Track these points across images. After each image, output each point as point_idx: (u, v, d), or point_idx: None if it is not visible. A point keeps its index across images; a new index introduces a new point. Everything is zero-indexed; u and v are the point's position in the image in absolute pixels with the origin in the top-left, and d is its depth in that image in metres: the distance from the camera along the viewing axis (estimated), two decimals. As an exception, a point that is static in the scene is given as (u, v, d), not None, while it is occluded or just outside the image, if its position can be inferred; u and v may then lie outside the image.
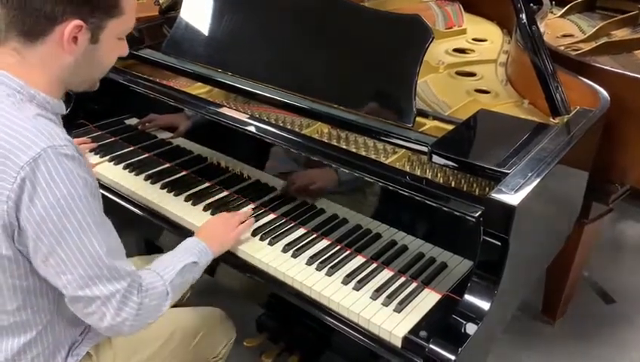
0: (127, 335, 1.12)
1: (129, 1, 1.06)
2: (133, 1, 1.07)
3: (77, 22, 0.99)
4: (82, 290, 1.01)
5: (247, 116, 1.55)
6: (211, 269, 1.49)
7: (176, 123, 1.73)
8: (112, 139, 1.90)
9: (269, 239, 1.40)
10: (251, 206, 1.53)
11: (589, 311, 2.26)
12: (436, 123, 1.49)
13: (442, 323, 1.12)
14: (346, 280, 1.27)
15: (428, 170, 1.38)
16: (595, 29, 2.22)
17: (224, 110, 1.59)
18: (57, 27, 0.99)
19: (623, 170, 1.71)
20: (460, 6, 2.42)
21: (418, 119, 1.43)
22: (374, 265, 1.32)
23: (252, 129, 1.50)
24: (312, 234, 1.42)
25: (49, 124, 1.00)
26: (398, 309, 1.19)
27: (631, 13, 2.37)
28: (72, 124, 1.98)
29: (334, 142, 1.48)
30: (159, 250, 1.82)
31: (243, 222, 1.42)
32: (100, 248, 1.00)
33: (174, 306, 1.34)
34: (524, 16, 1.41)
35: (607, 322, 2.22)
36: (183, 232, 1.50)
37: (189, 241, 1.29)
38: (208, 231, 1.36)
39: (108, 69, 1.13)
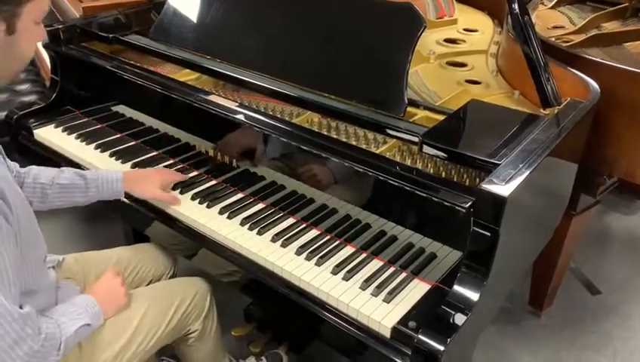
0: None
1: None
2: None
3: None
4: None
5: (237, 104, 1.53)
6: (194, 256, 1.48)
7: (164, 110, 1.71)
8: (99, 126, 1.87)
9: (257, 229, 1.39)
10: (240, 195, 1.52)
11: (575, 302, 2.29)
12: (427, 113, 1.48)
13: (431, 314, 1.12)
14: (336, 270, 1.27)
15: (418, 161, 1.37)
16: (585, 21, 2.22)
17: (213, 98, 1.57)
18: None
19: (611, 162, 1.72)
20: (452, -5, 2.41)
21: (409, 109, 1.41)
22: (364, 255, 1.32)
23: (241, 117, 1.48)
24: (302, 224, 1.41)
25: None
26: (388, 299, 1.19)
27: (621, 6, 2.37)
28: (57, 110, 1.95)
29: (324, 132, 1.47)
30: (147, 239, 1.80)
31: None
32: None
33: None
34: (516, 6, 1.40)
35: (593, 312, 2.24)
36: (170, 221, 1.48)
37: (85, 299, 1.23)
38: (102, 295, 1.29)
39: (29, 59, 1.08)
